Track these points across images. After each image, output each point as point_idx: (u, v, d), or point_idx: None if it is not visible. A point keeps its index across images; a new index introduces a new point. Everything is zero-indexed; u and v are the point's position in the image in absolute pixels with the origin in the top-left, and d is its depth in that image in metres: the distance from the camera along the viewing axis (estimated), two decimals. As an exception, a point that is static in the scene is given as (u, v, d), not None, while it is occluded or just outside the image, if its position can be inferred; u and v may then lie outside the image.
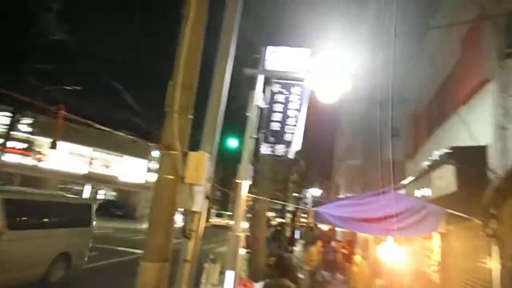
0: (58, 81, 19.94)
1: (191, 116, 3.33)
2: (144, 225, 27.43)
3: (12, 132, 19.44)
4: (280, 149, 6.32)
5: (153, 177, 34.45)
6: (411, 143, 12.27)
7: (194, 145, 3.87)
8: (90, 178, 30.93)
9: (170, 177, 3.13)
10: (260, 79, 6.39)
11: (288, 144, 6.31)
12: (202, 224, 4.47)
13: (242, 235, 6.01)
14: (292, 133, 6.32)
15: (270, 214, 24.32)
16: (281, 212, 22.52)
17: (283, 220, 20.67)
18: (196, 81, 3.37)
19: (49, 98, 21.45)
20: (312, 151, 24.34)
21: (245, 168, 6.11)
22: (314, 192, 26.02)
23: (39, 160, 24.94)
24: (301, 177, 22.11)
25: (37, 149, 25.52)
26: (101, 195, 34.86)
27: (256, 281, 9.91)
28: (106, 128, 2.86)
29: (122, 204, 33.04)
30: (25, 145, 23.17)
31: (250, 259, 9.40)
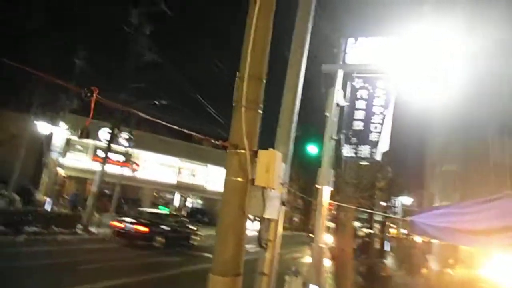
0: (148, 97, 21.49)
1: (260, 111, 2.96)
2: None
3: (112, 146, 21.40)
4: (364, 150, 5.63)
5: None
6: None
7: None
8: (179, 186, 32.82)
9: (239, 179, 2.78)
10: (340, 74, 5.82)
11: (373, 144, 5.60)
12: (279, 233, 4.06)
13: (326, 247, 5.44)
14: (378, 132, 5.59)
15: (356, 224, 22.85)
16: (368, 222, 21.01)
17: (371, 231, 19.21)
18: (265, 72, 2.99)
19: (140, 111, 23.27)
20: (400, 154, 22.39)
21: (325, 172, 5.57)
22: (405, 200, 23.79)
23: (134, 170, 27.13)
24: (389, 184, 20.38)
25: (133, 161, 27.85)
26: (189, 202, 36.79)
27: (343, 296, 9.13)
28: (172, 126, 2.63)
29: (208, 211, 34.34)
30: (122, 157, 25.42)
31: (336, 272, 8.70)
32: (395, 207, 23.64)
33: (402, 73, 5.65)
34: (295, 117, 4.03)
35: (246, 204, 2.78)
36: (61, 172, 23.30)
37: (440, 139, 23.39)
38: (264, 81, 2.97)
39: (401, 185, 22.73)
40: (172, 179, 32.43)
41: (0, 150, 16.01)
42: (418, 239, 32.94)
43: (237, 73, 2.92)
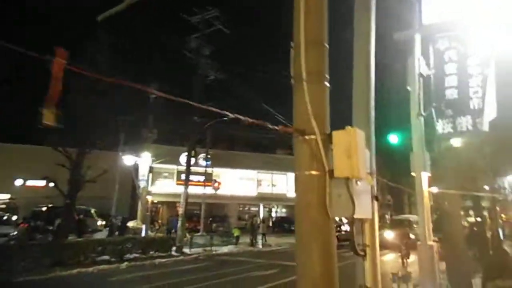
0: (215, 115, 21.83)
1: (327, 84, 2.30)
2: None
3: (193, 168, 22.08)
4: (464, 122, 4.57)
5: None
6: None
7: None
8: (261, 198, 32.85)
9: (313, 172, 2.14)
10: (418, 39, 4.87)
11: (476, 113, 4.51)
12: (377, 235, 3.30)
13: (436, 245, 4.47)
14: (480, 98, 4.50)
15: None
16: (474, 210, 18.34)
17: (479, 219, 16.70)
18: (326, 34, 2.34)
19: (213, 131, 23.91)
20: (507, 125, 19.34)
21: (419, 155, 4.63)
22: (514, 180, 20.42)
23: (216, 188, 27.84)
24: (493, 162, 17.58)
25: (214, 179, 28.65)
26: (274, 212, 36.59)
27: (463, 298, 7.73)
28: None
29: (293, 220, 33.74)
30: (203, 177, 26.22)
31: (449, 272, 7.38)
32: (504, 188, 20.42)
33: (500, 19, 4.50)
34: (372, 93, 3.28)
35: (328, 204, 2.12)
36: (150, 199, 24.70)
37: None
38: (327, 45, 2.32)
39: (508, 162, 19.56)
40: (252, 192, 32.63)
41: (98, 186, 17.40)
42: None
43: (291, 42, 2.32)
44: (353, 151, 2.08)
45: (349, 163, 2.09)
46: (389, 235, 20.62)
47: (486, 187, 20.58)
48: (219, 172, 30.62)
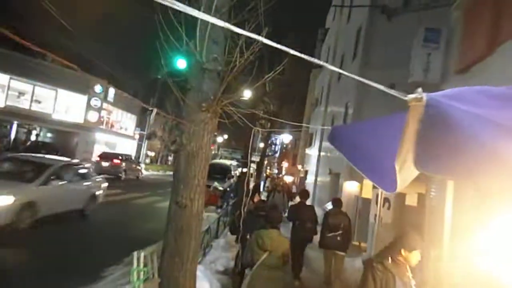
0: None
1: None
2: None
3: None
4: None
5: (94, 116, 27.78)
6: (465, 50, 7.12)
7: None
8: (12, 113, 23.57)
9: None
10: None
11: None
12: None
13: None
14: None
15: (230, 162, 19.12)
16: (244, 159, 17.35)
17: (245, 170, 15.66)
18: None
19: None
20: (286, 90, 19.10)
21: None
22: (285, 138, 20.70)
23: None
24: (271, 118, 16.80)
25: None
26: (34, 135, 27.82)
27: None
28: None
29: (56, 147, 26.11)
30: None
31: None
32: (275, 144, 20.63)
33: None
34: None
35: None
36: None
37: (327, 74, 20.75)
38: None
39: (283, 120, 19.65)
40: (-1, 103, 23.00)
41: None
42: (289, 178, 31.51)
43: None
44: None
45: None
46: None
47: (261, 144, 20.18)
48: None
